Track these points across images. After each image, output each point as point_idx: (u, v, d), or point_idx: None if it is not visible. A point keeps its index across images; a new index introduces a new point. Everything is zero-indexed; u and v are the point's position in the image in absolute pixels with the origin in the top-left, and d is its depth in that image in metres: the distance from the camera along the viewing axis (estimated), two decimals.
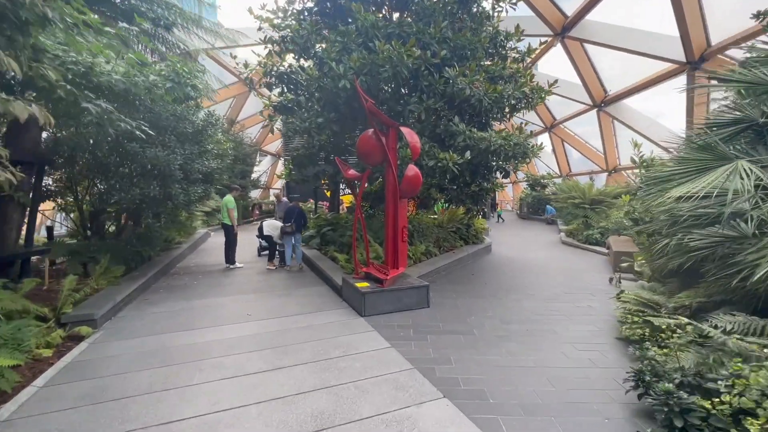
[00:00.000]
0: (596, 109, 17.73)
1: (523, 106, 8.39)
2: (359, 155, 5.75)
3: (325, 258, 8.55)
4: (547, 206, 21.71)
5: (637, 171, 15.95)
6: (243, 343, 4.22)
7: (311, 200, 18.71)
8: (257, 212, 23.72)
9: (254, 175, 23.43)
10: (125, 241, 7.37)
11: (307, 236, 10.62)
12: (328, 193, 18.38)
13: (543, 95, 8.30)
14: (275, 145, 29.33)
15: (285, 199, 9.14)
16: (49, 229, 9.16)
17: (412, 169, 5.59)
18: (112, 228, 8.60)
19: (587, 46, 15.35)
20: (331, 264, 7.89)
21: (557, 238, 14.88)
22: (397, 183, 5.59)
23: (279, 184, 32.43)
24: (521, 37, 8.45)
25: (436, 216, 13.31)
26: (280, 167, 29.93)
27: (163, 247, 9.79)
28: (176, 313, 5.42)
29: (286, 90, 8.62)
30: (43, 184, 7.70)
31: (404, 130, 5.61)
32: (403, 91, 7.97)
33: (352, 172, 6.20)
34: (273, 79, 8.11)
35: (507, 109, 8.34)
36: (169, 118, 6.34)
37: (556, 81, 8.28)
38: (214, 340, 4.32)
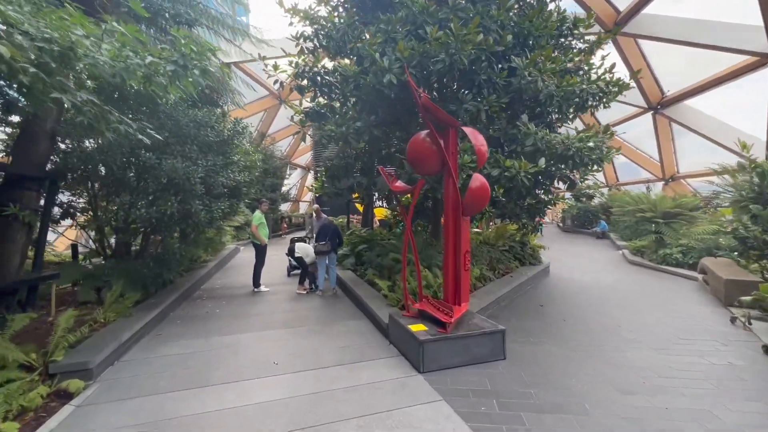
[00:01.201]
0: (651, 112, 15.95)
1: (594, 103, 7.04)
2: (411, 162, 4.64)
3: (363, 282, 7.44)
4: (601, 221, 19.75)
5: (711, 178, 13.87)
6: (267, 416, 3.13)
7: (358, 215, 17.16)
8: (285, 225, 23.19)
9: (284, 188, 23.03)
10: (144, 262, 6.59)
11: (341, 255, 9.59)
12: (361, 208, 17.41)
13: (620, 90, 6.91)
14: (305, 158, 29.09)
15: (324, 215, 8.17)
16: (74, 248, 8.61)
17: (477, 179, 4.41)
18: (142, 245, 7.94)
19: (642, 43, 13.81)
20: (370, 291, 6.77)
21: (617, 256, 13.09)
22: (459, 197, 4.42)
23: (308, 196, 32.08)
24: (591, 23, 7.15)
25: (479, 231, 11.96)
26: (309, 180, 29.55)
27: (187, 267, 9.07)
28: (189, 356, 4.44)
29: (319, 94, 7.72)
30: (65, 201, 7.15)
31: (467, 130, 4.47)
32: (451, 88, 6.86)
33: (399, 183, 5.09)
34: (306, 81, 7.23)
35: (572, 108, 7.03)
36: (189, 125, 5.54)
37: (639, 71, 6.88)
38: (230, 409, 3.25)
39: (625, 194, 19.86)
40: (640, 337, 4.92)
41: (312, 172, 25.49)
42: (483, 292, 6.69)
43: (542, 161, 5.40)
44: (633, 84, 6.94)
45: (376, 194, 10.41)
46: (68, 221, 7.58)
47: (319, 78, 7.24)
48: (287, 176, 25.85)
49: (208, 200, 6.41)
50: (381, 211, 16.32)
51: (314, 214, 9.79)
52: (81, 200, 7.23)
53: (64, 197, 7.23)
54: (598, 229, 19.59)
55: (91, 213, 7.05)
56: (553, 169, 6.61)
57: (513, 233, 11.11)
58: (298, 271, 10.08)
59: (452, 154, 4.48)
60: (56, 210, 7.08)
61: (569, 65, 7.05)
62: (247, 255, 9.15)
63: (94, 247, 7.62)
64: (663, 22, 12.11)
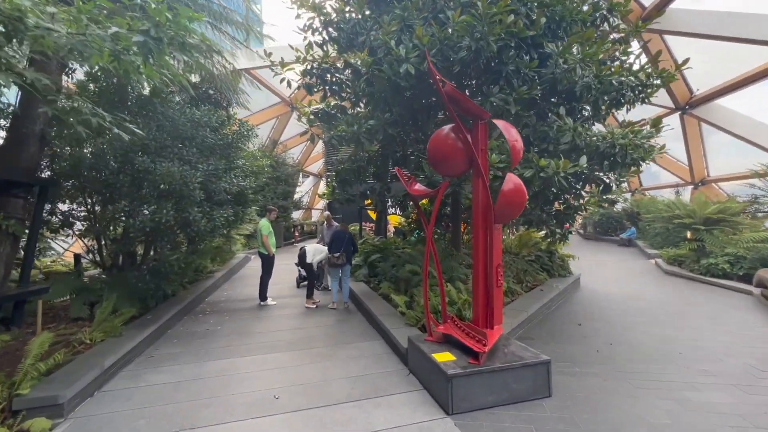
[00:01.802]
0: (679, 113, 15.00)
1: (632, 97, 6.28)
2: (432, 162, 4.02)
3: (377, 296, 6.80)
4: (630, 228, 18.70)
5: (752, 181, 12.76)
6: None
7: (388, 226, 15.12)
8: (297, 234, 22.79)
9: (296, 196, 22.68)
10: (140, 275, 6.09)
11: (353, 266, 8.99)
12: (374, 215, 16.78)
13: (664, 82, 6.14)
14: (317, 165, 28.82)
15: (335, 222, 7.54)
16: (77, 258, 8.19)
17: (511, 181, 3.74)
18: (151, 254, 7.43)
19: (669, 39, 12.99)
20: (385, 306, 6.12)
21: (650, 266, 12.11)
22: (491, 201, 3.76)
23: (321, 204, 31.75)
24: (629, 9, 6.44)
25: None
26: (322, 187, 29.21)
27: (192, 278, 8.60)
28: (179, 387, 3.86)
29: (329, 93, 7.21)
30: (66, 210, 6.76)
31: (499, 123, 3.83)
32: (471, 82, 6.23)
33: (418, 187, 4.46)
34: (314, 79, 6.71)
35: (607, 103, 6.30)
36: (186, 124, 5.06)
37: (687, 60, 6.10)
38: None
39: (653, 200, 18.77)
40: (711, 368, 4.11)
41: (324, 179, 25.14)
42: (512, 309, 5.96)
43: (583, 160, 4.69)
44: (677, 77, 6.17)
45: (390, 200, 9.83)
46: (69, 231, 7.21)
47: (328, 76, 6.72)
48: (299, 184, 25.58)
49: (208, 207, 5.90)
50: (395, 219, 15.70)
51: (325, 222, 9.22)
52: (82, 209, 6.84)
53: (64, 206, 6.87)
54: (625, 236, 18.53)
55: (90, 222, 6.65)
56: (587, 171, 5.89)
57: (538, 241, 10.32)
58: (305, 283, 9.52)
59: (481, 152, 3.83)
60: (53, 219, 6.72)
61: (601, 56, 6.34)
62: (257, 264, 8.72)
63: (95, 257, 7.21)
64: (691, 17, 11.33)
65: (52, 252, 9.67)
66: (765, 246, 8.27)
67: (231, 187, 6.38)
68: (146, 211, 5.20)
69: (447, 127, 3.95)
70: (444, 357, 3.52)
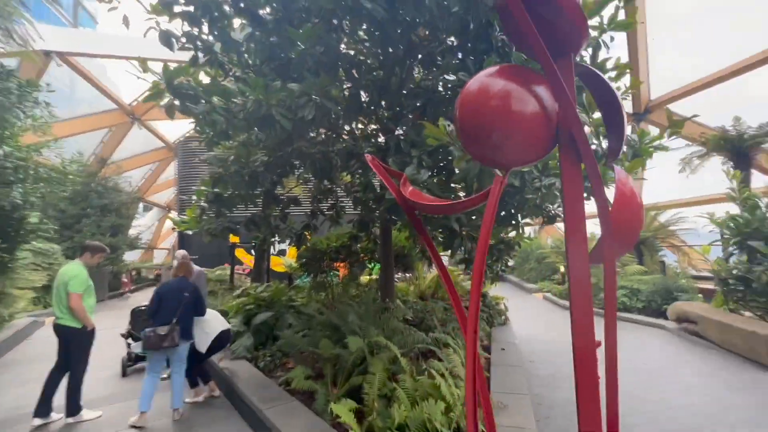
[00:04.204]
0: None
1: None
2: (470, 138, 1.76)
3: (281, 393, 3.93)
4: None
5: None
6: None
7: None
8: (126, 281, 16.18)
9: (132, 231, 16.58)
10: None
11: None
12: (249, 258, 12.87)
13: None
14: (165, 194, 22.71)
15: (196, 266, 4.27)
16: None
17: (622, 181, 1.88)
18: None
19: None
20: (308, 418, 3.37)
21: (536, 301, 12.31)
22: (607, 213, 1.79)
23: (168, 241, 25.07)
24: None
25: (408, 283, 9.36)
26: (168, 224, 22.83)
27: None
28: None
29: (201, 55, 4.30)
30: None
31: None
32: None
33: (420, 191, 2.19)
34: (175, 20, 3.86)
35: None
36: None
37: None
38: None
39: (519, 236, 20.64)
40: None
41: (176, 205, 19.39)
42: (504, 392, 4.00)
43: None
44: None
45: (277, 236, 6.95)
46: None
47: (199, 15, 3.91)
48: (137, 217, 19.34)
49: None
50: (278, 260, 12.44)
51: (174, 266, 5.28)
52: None
53: None
54: None
55: None
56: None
57: (458, 281, 8.99)
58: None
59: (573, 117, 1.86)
60: None
61: None
62: (49, 333, 4.47)
63: None
64: None
65: None
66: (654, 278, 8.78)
67: None
68: None
69: (493, 71, 1.82)
70: None
